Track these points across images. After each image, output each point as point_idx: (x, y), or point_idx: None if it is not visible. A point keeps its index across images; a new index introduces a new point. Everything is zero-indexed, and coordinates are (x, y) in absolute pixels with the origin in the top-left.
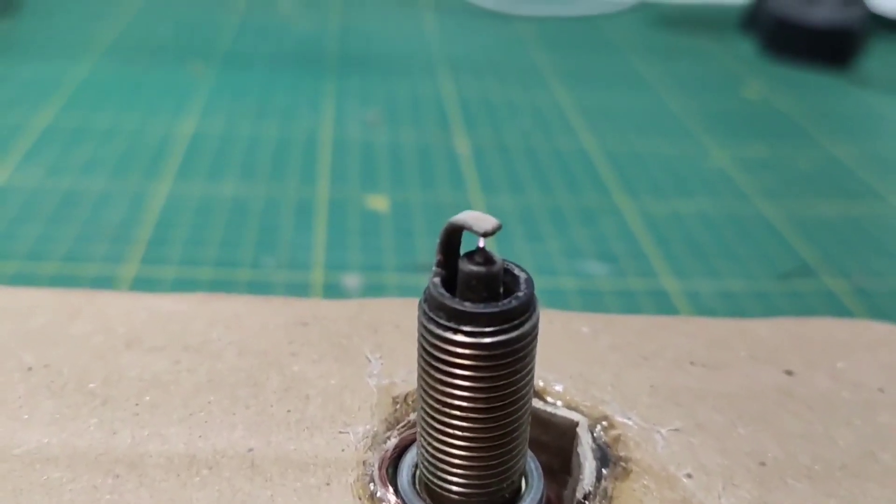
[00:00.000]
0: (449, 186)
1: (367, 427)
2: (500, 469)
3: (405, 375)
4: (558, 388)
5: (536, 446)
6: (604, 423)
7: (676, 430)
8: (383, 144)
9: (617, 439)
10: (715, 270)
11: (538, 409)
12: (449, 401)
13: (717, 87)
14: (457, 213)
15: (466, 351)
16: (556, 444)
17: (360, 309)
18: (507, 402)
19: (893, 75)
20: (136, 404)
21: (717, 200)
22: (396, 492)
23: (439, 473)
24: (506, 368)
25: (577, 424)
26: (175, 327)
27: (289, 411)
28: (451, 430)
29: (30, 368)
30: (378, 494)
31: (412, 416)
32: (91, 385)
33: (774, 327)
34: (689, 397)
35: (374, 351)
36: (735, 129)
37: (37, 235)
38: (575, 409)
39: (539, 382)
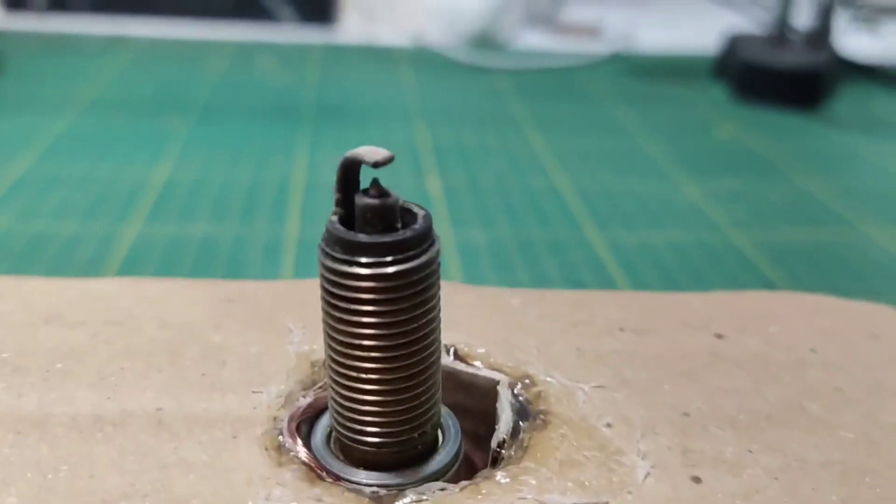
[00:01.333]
0: None
1: (282, 387)
2: (410, 416)
3: None
4: (481, 350)
5: (461, 411)
6: (525, 381)
7: (600, 386)
8: None
9: (538, 395)
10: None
11: (460, 371)
12: (354, 341)
13: (689, 130)
14: None
15: (366, 283)
16: (480, 408)
17: (288, 287)
18: (412, 339)
19: (862, 116)
20: (47, 371)
21: (687, 231)
22: (308, 448)
23: (349, 425)
24: (407, 301)
25: (497, 383)
26: (99, 305)
27: (203, 375)
28: (357, 374)
29: None
30: (286, 445)
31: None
32: (4, 355)
33: (708, 298)
34: (616, 359)
35: (297, 322)
36: (707, 167)
37: (2, 272)
38: (497, 370)
39: (463, 348)
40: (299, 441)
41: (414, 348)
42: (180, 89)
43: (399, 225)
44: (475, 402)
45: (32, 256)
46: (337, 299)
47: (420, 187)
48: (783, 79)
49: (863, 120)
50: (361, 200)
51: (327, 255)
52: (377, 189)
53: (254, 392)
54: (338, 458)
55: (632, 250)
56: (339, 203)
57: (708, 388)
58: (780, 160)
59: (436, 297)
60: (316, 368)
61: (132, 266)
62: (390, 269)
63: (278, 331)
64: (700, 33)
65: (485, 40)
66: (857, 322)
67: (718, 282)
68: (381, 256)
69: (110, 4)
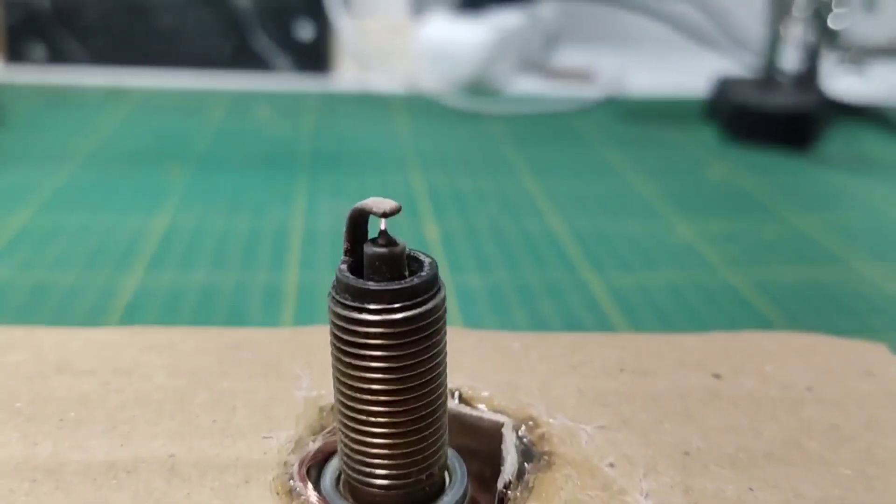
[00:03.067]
0: None
1: (291, 433)
2: (418, 458)
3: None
4: (485, 393)
5: (466, 454)
6: (529, 423)
7: (601, 426)
8: None
9: (542, 437)
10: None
11: (465, 414)
12: (363, 385)
13: (681, 172)
14: None
15: (373, 330)
16: (486, 450)
17: (293, 334)
18: (419, 383)
19: (851, 156)
20: (61, 419)
21: (683, 272)
22: (318, 491)
23: (358, 466)
24: (414, 346)
25: (502, 425)
26: (107, 354)
27: (214, 421)
28: (365, 417)
29: None
30: (297, 490)
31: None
32: (17, 405)
33: (704, 339)
34: (616, 399)
35: (304, 368)
36: (700, 207)
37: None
38: (501, 412)
39: (467, 391)
40: (309, 485)
41: (422, 391)
42: (178, 139)
43: (406, 272)
44: (480, 444)
45: (34, 307)
46: (346, 345)
47: (418, 233)
48: (773, 120)
49: (852, 159)
50: (370, 249)
51: (337, 302)
52: (385, 238)
53: (264, 437)
54: (347, 500)
55: (629, 292)
56: (347, 252)
57: (706, 427)
58: (771, 200)
59: (442, 341)
60: (324, 413)
61: (134, 315)
62: (398, 315)
63: (286, 377)
64: (689, 77)
65: (478, 86)
66: (851, 360)
67: (716, 322)
68: (389, 303)
69: (109, 56)
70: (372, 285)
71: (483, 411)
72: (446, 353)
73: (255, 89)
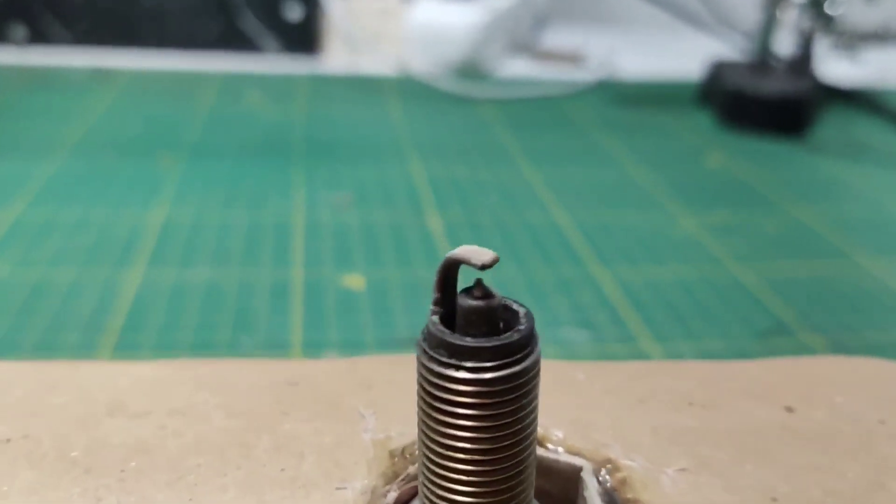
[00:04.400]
0: (424, 263)
1: (366, 482)
2: None
3: (401, 429)
4: (558, 433)
5: (540, 495)
6: (608, 466)
7: (683, 469)
8: (356, 225)
9: (623, 482)
10: (693, 332)
11: (540, 455)
12: (452, 443)
13: (679, 160)
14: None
15: (470, 388)
16: (561, 493)
17: (350, 367)
18: (512, 441)
19: (846, 142)
20: (122, 471)
21: (690, 266)
22: None
23: None
24: (510, 405)
25: (580, 469)
26: (158, 392)
27: (282, 470)
28: (455, 476)
29: (8, 440)
30: None
31: (411, 470)
32: (73, 454)
33: (767, 366)
34: (691, 437)
35: (367, 406)
36: (700, 198)
37: (5, 327)
38: (577, 454)
39: (538, 429)
40: None
41: (514, 450)
42: (169, 125)
43: (501, 325)
44: (555, 486)
45: (34, 307)
46: (437, 401)
47: (422, 226)
48: (768, 106)
49: (847, 146)
50: (465, 302)
51: (431, 357)
52: (481, 290)
53: (338, 489)
54: None
55: (639, 288)
56: (437, 302)
57: (787, 467)
58: (770, 190)
59: (536, 397)
60: (395, 459)
61: (139, 315)
62: (497, 374)
63: (349, 417)
64: (681, 60)
65: (469, 69)
66: None
67: (731, 321)
68: (487, 361)
69: (92, 37)
70: (469, 342)
71: (559, 453)
72: (538, 409)
73: (244, 71)
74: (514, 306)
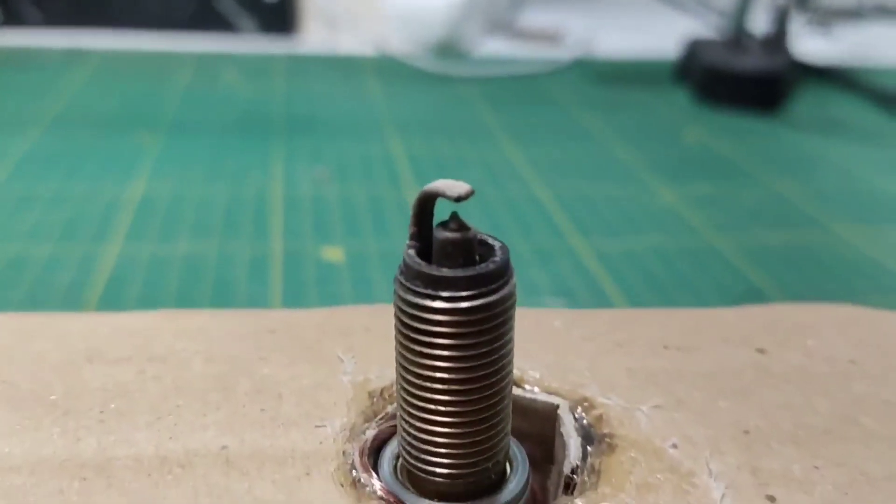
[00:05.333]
0: (403, 235)
1: (345, 421)
2: (484, 447)
3: (380, 372)
4: (535, 374)
5: (517, 436)
6: (584, 404)
7: (658, 406)
8: (335, 199)
9: (599, 418)
10: (670, 299)
11: (517, 395)
12: (431, 374)
13: (657, 135)
14: None
15: (446, 317)
16: (538, 432)
17: (328, 315)
18: (489, 371)
19: (820, 118)
20: (101, 412)
21: (667, 236)
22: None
23: (423, 457)
24: (486, 335)
25: (557, 407)
26: (138, 340)
27: (262, 410)
28: (433, 407)
29: None
30: (361, 480)
31: (390, 409)
32: (52, 397)
33: (742, 313)
34: (667, 378)
35: (345, 351)
36: (679, 172)
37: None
38: (554, 393)
39: (515, 371)
40: (374, 475)
41: (491, 380)
42: (145, 103)
43: (477, 258)
44: (533, 426)
45: (11, 281)
46: (415, 332)
47: (400, 199)
48: (743, 82)
49: (821, 122)
50: (441, 234)
51: (407, 289)
52: (457, 223)
53: (317, 426)
54: (408, 489)
55: (618, 258)
56: (414, 236)
57: (761, 403)
58: (746, 163)
59: (511, 328)
60: (374, 399)
61: (117, 288)
62: (473, 303)
63: (328, 361)
64: (658, 38)
65: (447, 48)
66: (890, 332)
67: (707, 288)
68: (462, 290)
69: (66, 17)
70: (446, 272)
71: (536, 393)
72: (514, 343)
73: (220, 51)
74: (490, 241)
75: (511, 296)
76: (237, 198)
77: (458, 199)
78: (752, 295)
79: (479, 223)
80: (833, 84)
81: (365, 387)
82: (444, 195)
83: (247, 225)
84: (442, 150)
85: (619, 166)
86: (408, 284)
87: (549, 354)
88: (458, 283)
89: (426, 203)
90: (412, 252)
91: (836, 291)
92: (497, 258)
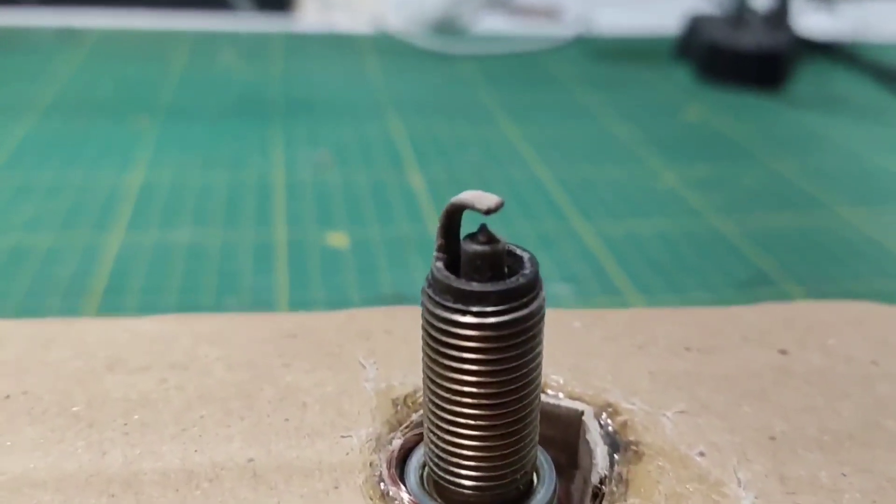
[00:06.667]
0: (407, 220)
1: (370, 430)
2: (513, 459)
3: (402, 378)
4: (559, 379)
5: (541, 441)
6: (609, 409)
7: (682, 412)
8: (337, 184)
9: (624, 425)
10: (676, 284)
11: (543, 402)
12: (459, 388)
13: (658, 113)
14: (418, 245)
15: (476, 332)
16: (562, 438)
17: (348, 318)
18: (517, 385)
19: (822, 95)
20: (125, 424)
21: (671, 219)
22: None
23: (451, 468)
24: (516, 349)
25: (582, 413)
26: (158, 347)
27: (286, 420)
28: (462, 420)
29: (7, 396)
30: (390, 493)
31: (415, 417)
32: (74, 409)
33: (761, 311)
34: (689, 381)
35: (367, 357)
36: (680, 152)
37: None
38: (578, 399)
39: None
40: (403, 487)
41: (520, 394)
42: (141, 85)
43: (506, 270)
44: (557, 432)
45: (13, 272)
46: (443, 346)
47: (403, 183)
48: (745, 60)
49: (823, 99)
50: (470, 247)
51: (436, 303)
52: (486, 235)
53: (342, 437)
54: (436, 500)
55: (621, 241)
56: (441, 248)
57: (784, 408)
58: (750, 143)
59: (541, 342)
60: (398, 407)
61: (121, 278)
62: (503, 318)
63: (349, 367)
64: (658, 14)
65: (445, 25)
66: None
67: (713, 273)
68: (493, 305)
69: None
70: (476, 286)
71: (560, 398)
72: (542, 354)
73: (216, 30)
74: (518, 252)
75: (540, 309)
76: (238, 184)
77: (488, 212)
78: (759, 280)
79: None
80: (835, 60)
81: (388, 394)
82: (472, 207)
83: (249, 212)
84: (442, 131)
85: (619, 146)
86: (437, 298)
87: (571, 358)
88: (488, 297)
89: (454, 215)
90: (440, 265)
91: (840, 275)
92: (527, 271)
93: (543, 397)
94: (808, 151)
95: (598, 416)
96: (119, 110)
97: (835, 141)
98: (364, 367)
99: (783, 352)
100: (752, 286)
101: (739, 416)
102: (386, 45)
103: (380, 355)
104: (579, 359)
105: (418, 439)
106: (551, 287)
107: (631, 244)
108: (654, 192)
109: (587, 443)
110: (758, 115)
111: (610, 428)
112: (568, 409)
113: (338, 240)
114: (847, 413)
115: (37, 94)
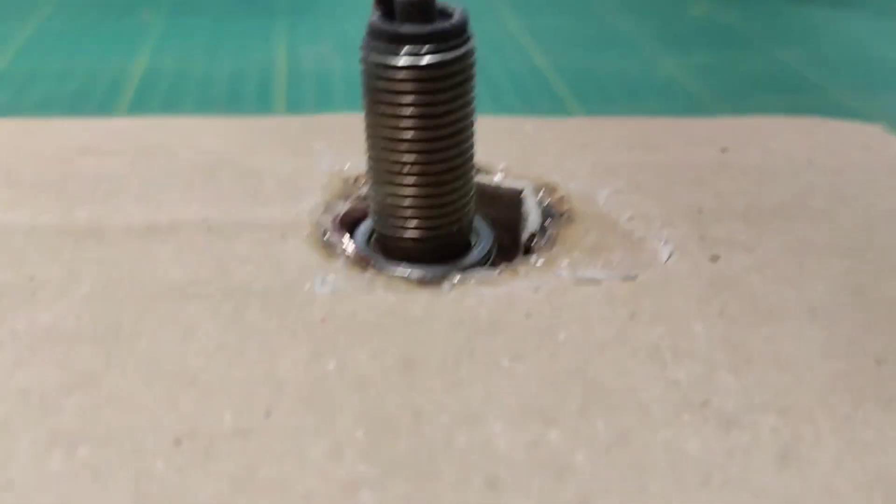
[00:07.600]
0: None
1: (320, 199)
2: (449, 209)
3: (355, 162)
4: (503, 163)
5: (486, 221)
6: (547, 188)
7: (617, 190)
8: (338, 73)
9: (561, 199)
10: None
11: (485, 183)
12: (396, 136)
13: (663, 8)
14: None
15: (408, 74)
16: (506, 217)
17: (314, 119)
18: (450, 131)
19: None
20: (94, 191)
21: (667, 104)
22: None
23: (391, 220)
24: (447, 92)
25: (521, 191)
26: (130, 138)
27: (244, 190)
28: (399, 170)
29: None
30: (333, 241)
31: (362, 191)
32: (49, 180)
33: (711, 120)
34: (629, 170)
35: (325, 147)
36: (682, 42)
37: None
38: (520, 179)
39: (483, 160)
40: (346, 237)
41: (453, 139)
42: None
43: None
44: (500, 212)
45: None
46: (381, 93)
47: None
48: None
49: None
50: None
51: (372, 49)
52: None
53: (294, 203)
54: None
55: None
56: (378, 3)
57: (717, 190)
58: (753, 33)
59: (473, 90)
60: (348, 184)
61: None
62: (433, 59)
63: (309, 154)
64: None
65: None
66: (849, 137)
67: None
68: (423, 44)
69: None
70: (407, 28)
71: (502, 179)
72: (475, 104)
73: None
74: (450, 9)
75: (469, 54)
76: (240, 73)
77: None
78: None
79: (480, 96)
80: None
81: (340, 174)
82: None
83: (250, 98)
84: None
85: (621, 39)
86: (373, 45)
87: (517, 150)
88: (418, 39)
89: None
90: (377, 15)
91: None
92: (456, 18)
93: (487, 178)
94: (810, 41)
95: (536, 193)
96: (123, 5)
97: (838, 30)
98: (322, 153)
99: (724, 149)
100: None
101: (672, 195)
102: None
103: (336, 145)
104: (525, 152)
105: (365, 207)
106: None
107: None
108: (652, 79)
109: (523, 214)
110: (763, 7)
111: (547, 202)
112: (510, 189)
113: None
114: (776, 195)
115: None
